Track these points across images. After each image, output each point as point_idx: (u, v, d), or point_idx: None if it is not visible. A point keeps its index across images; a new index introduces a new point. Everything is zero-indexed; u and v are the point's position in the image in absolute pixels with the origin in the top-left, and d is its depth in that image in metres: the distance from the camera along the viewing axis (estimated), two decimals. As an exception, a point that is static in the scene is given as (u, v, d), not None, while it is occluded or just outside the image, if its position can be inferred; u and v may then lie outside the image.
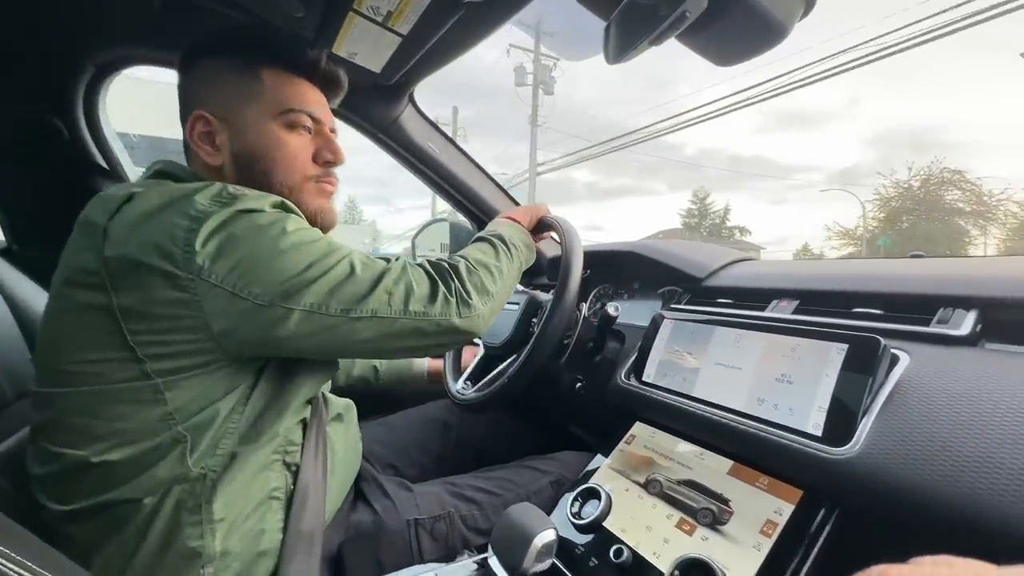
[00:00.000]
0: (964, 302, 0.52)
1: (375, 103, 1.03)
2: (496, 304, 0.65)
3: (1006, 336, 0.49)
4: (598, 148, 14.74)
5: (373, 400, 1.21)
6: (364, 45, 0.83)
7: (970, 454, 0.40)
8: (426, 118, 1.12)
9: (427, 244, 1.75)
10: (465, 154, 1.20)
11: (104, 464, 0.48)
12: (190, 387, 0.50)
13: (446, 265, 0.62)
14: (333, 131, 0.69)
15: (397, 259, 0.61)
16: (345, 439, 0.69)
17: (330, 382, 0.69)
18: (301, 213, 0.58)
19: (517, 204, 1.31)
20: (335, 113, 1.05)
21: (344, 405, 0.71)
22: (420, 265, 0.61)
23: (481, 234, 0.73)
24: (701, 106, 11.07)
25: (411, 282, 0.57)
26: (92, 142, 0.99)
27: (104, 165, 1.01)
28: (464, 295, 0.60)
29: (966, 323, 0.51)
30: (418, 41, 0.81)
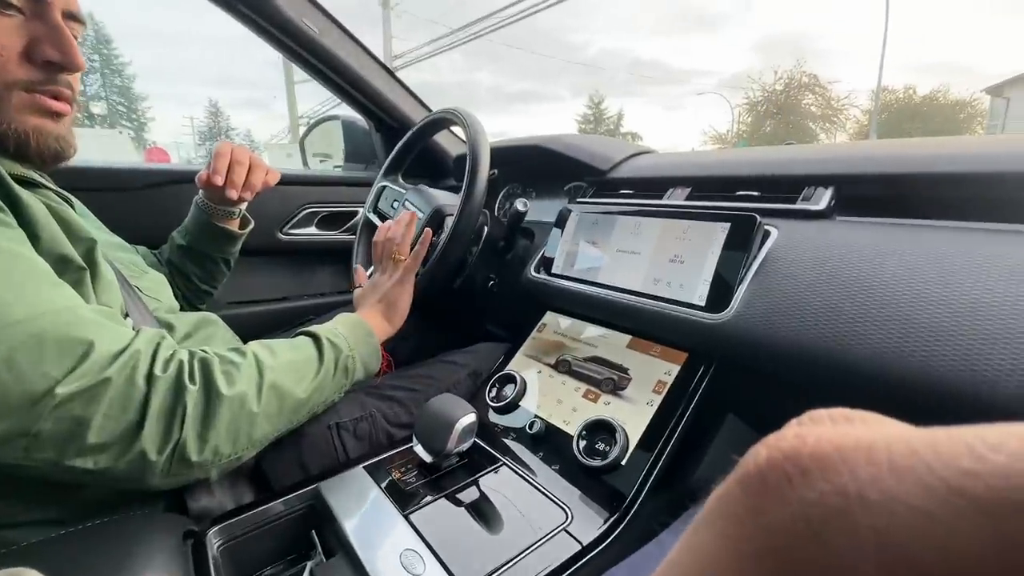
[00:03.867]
0: (823, 180, 0.59)
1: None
2: (258, 447, 0.49)
3: (853, 209, 0.57)
4: (461, 33, 13.50)
5: (277, 316, 1.15)
6: None
7: (819, 308, 0.47)
8: (299, -12, 0.94)
9: (320, 147, 1.56)
10: (353, 38, 1.05)
11: None
12: None
13: (197, 385, 0.41)
14: (75, 18, 0.47)
15: (127, 347, 0.39)
16: None
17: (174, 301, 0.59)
18: None
19: (412, 94, 1.18)
20: None
21: (193, 322, 0.63)
22: (148, 378, 0.38)
23: (314, 330, 0.58)
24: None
25: (89, 415, 0.35)
26: None
27: None
28: (193, 449, 0.40)
29: (824, 199, 0.58)
30: None
